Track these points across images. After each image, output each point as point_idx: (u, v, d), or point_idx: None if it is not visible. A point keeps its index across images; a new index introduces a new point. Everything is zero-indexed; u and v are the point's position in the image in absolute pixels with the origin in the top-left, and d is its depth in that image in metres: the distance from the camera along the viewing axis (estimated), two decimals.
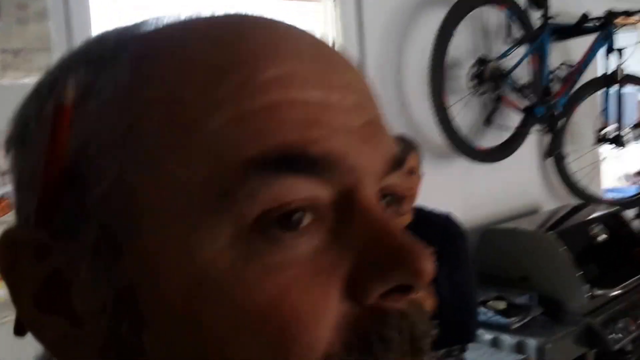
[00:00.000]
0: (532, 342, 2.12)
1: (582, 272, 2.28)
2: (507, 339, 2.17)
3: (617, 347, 2.21)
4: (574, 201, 2.97)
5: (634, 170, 3.46)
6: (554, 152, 2.83)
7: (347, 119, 0.31)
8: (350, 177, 0.30)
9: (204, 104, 0.29)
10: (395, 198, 0.35)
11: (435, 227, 1.85)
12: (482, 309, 2.22)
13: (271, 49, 0.31)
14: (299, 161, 0.29)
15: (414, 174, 1.79)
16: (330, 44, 0.35)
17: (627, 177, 3.48)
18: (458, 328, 1.78)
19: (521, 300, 2.34)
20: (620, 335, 2.24)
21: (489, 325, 2.22)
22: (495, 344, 2.19)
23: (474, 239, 2.44)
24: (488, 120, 2.52)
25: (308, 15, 2.27)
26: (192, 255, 0.28)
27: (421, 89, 2.39)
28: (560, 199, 3.03)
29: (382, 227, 0.30)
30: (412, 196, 1.78)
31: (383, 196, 0.33)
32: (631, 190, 4.30)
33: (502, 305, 2.32)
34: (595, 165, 3.12)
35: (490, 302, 2.32)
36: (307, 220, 0.30)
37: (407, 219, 1.81)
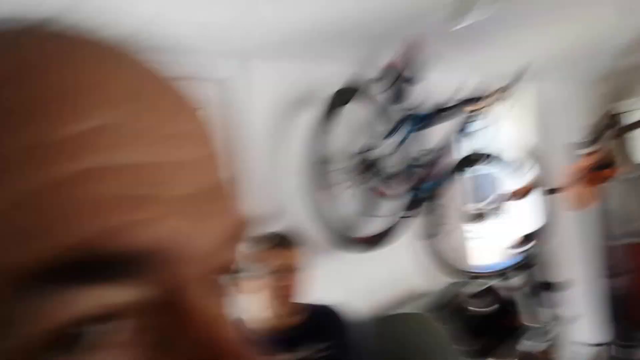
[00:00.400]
0: None
1: (472, 348, 2.37)
2: None
3: None
4: (449, 280, 3.10)
5: (513, 240, 3.69)
6: (434, 231, 2.98)
7: (170, 186, 0.24)
8: (171, 273, 0.24)
9: None
10: (230, 274, 0.30)
11: (322, 319, 1.88)
12: None
13: (77, 94, 0.23)
14: (88, 265, 0.22)
15: (293, 270, 1.82)
16: (162, 81, 0.27)
17: (511, 246, 3.70)
18: None
19: None
20: None
21: None
22: None
23: (367, 328, 2.46)
24: (367, 208, 2.63)
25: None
26: None
27: (298, 186, 2.45)
28: (436, 279, 3.15)
29: (207, 337, 0.25)
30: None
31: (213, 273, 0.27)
32: (504, 263, 4.56)
33: None
34: (464, 242, 3.30)
35: None
36: (106, 334, 0.23)
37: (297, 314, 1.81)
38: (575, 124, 5.25)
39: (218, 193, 0.27)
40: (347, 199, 2.66)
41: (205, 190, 0.26)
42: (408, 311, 2.65)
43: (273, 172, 2.46)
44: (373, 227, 2.74)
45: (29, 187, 0.21)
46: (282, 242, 1.82)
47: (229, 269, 0.29)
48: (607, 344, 3.63)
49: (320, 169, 2.41)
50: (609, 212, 4.23)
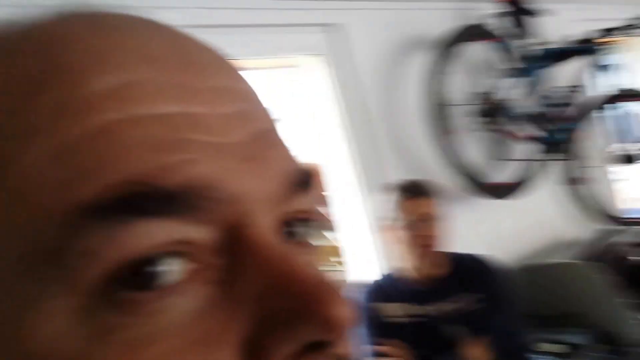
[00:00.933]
0: None
1: (634, 300, 2.09)
2: None
3: None
4: (597, 227, 2.80)
5: None
6: (572, 178, 2.69)
7: (220, 134, 0.24)
8: (231, 210, 0.24)
9: (17, 131, 0.22)
10: (308, 226, 0.29)
11: (470, 270, 1.72)
12: (537, 356, 1.99)
13: (104, 53, 0.24)
14: (150, 199, 0.22)
15: (433, 219, 1.68)
16: (199, 42, 0.27)
17: None
18: None
19: (577, 339, 2.12)
20: None
21: None
22: None
23: (517, 279, 2.25)
24: (498, 156, 2.40)
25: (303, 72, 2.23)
26: (25, 343, 0.21)
27: (421, 132, 2.28)
28: (583, 226, 2.87)
29: (280, 270, 0.24)
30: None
31: (288, 224, 0.27)
32: None
33: (558, 348, 2.09)
34: (611, 186, 2.98)
35: (546, 346, 2.09)
36: (177, 273, 0.23)
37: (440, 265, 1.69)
38: None
39: (271, 141, 0.27)
40: (477, 144, 2.45)
41: (256, 138, 0.26)
42: (560, 260, 2.40)
43: (395, 118, 2.29)
44: (508, 173, 2.50)
45: (74, 133, 0.22)
46: (418, 191, 1.69)
47: (307, 218, 0.28)
48: None
49: (442, 112, 2.21)
50: None
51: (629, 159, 2.71)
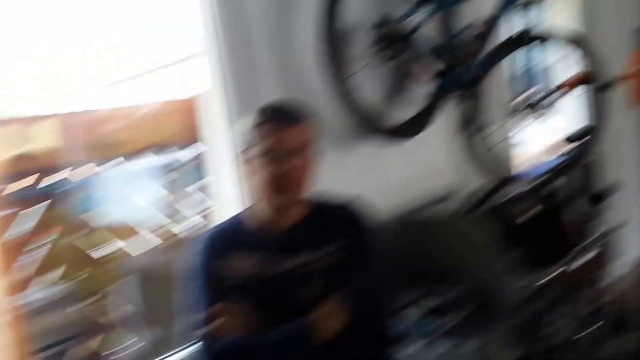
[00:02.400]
0: (471, 345, 1.79)
1: (512, 258, 1.99)
2: (441, 345, 1.83)
3: (560, 338, 1.93)
4: (491, 179, 2.69)
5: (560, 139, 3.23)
6: (472, 124, 2.52)
7: None
8: None
9: None
10: None
11: (335, 217, 1.49)
12: (409, 311, 1.88)
13: None
14: None
15: (303, 150, 1.41)
16: None
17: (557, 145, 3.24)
18: (371, 343, 1.42)
19: (450, 296, 2.02)
20: (562, 322, 1.96)
21: (420, 330, 1.88)
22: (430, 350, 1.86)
23: (390, 231, 2.08)
24: (395, 92, 2.16)
25: None
26: None
27: (314, 60, 2.01)
28: (474, 179, 2.75)
29: None
30: None
31: None
32: (548, 164, 4.13)
33: (429, 304, 1.99)
34: (506, 139, 2.85)
35: (417, 302, 1.98)
36: None
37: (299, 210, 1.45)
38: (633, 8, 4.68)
39: None
40: (372, 81, 2.21)
41: None
42: (439, 214, 2.26)
43: (282, 44, 2.00)
44: (402, 114, 2.30)
45: None
46: (283, 116, 1.41)
47: None
48: None
49: (336, 39, 1.94)
50: None
51: (525, 110, 2.58)
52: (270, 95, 1.89)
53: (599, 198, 3.29)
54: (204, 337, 1.38)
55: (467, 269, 2.04)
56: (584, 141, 2.94)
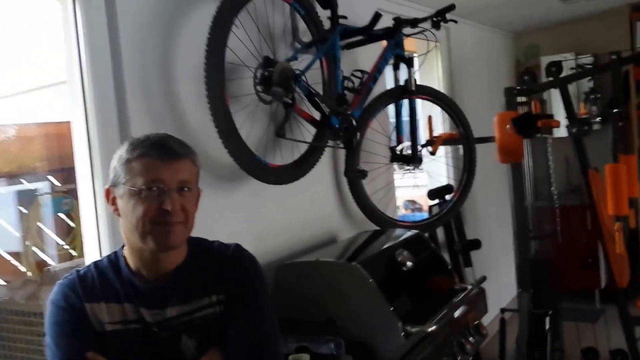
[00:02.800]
0: None
1: (393, 308, 1.93)
2: None
3: None
4: (370, 227, 2.68)
5: (434, 192, 3.32)
6: (352, 171, 2.50)
7: None
8: None
9: None
10: None
11: (217, 263, 1.33)
12: None
13: None
14: None
15: (186, 189, 1.26)
16: None
17: (431, 197, 3.32)
18: None
19: (327, 349, 1.92)
20: None
21: None
22: None
23: (268, 275, 1.96)
24: (279, 132, 2.08)
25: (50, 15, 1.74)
26: None
27: (197, 94, 1.89)
28: (356, 226, 2.73)
29: None
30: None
31: None
32: (418, 216, 4.25)
33: (305, 358, 1.87)
34: (390, 186, 2.88)
35: (291, 357, 1.85)
36: None
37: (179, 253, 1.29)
38: (503, 70, 5.04)
39: None
40: (255, 121, 2.12)
41: None
42: (319, 259, 2.17)
43: (167, 78, 1.87)
44: (288, 155, 2.22)
45: None
46: (163, 149, 1.23)
47: None
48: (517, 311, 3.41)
49: (221, 73, 1.83)
50: (532, 171, 4.06)
51: (415, 159, 2.62)
52: (143, 128, 1.74)
53: (471, 247, 3.42)
54: None
55: (346, 319, 1.96)
56: (456, 194, 3.05)
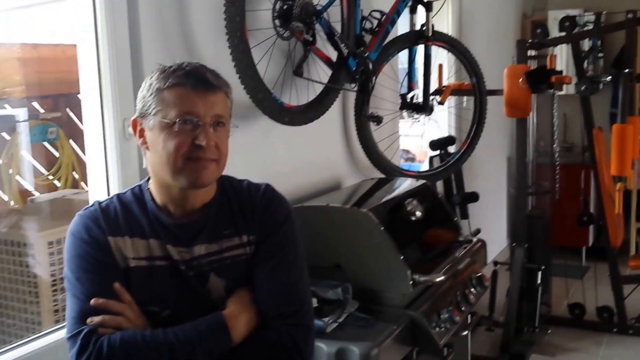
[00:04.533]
0: (353, 350, 1.68)
1: (403, 256, 1.91)
2: (323, 348, 1.70)
3: (442, 342, 1.89)
4: (375, 174, 2.64)
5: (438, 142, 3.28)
6: (362, 116, 2.43)
7: None
8: None
9: None
10: None
11: (254, 202, 1.28)
12: None
13: None
14: None
15: (221, 124, 1.19)
16: None
17: (435, 147, 3.28)
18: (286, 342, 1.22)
19: (333, 294, 1.91)
20: (444, 327, 1.92)
21: None
22: None
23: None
24: (297, 71, 2.00)
25: None
26: None
27: (214, 24, 1.80)
28: (361, 173, 2.69)
29: None
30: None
31: None
32: (416, 166, 4.22)
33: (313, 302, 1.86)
34: (396, 135, 2.83)
35: None
36: None
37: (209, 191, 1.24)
38: (509, 23, 4.94)
39: None
40: (275, 55, 2.04)
41: None
42: (327, 203, 2.13)
43: (183, 5, 1.77)
44: (302, 95, 2.15)
45: None
46: (199, 80, 1.15)
47: None
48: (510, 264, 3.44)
49: (239, 5, 1.74)
50: (535, 127, 4.03)
51: (426, 108, 2.56)
52: (156, 57, 1.66)
53: (469, 199, 3.41)
54: (86, 332, 1.10)
55: (355, 264, 1.94)
56: (461, 146, 3.01)
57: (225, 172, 1.27)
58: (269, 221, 1.26)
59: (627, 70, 3.08)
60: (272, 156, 2.16)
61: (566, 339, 3.57)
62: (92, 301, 1.12)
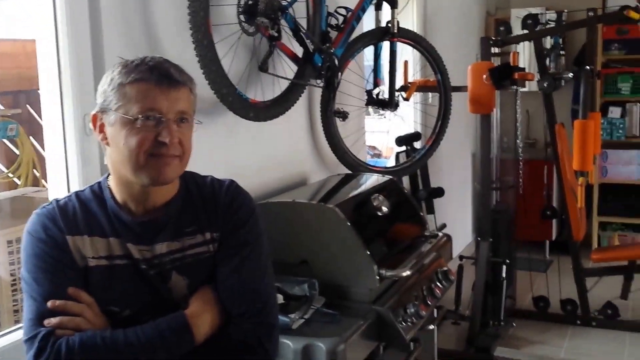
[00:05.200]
0: (320, 346, 1.68)
1: (370, 252, 1.92)
2: (289, 345, 1.70)
3: (409, 336, 1.90)
4: (342, 170, 2.64)
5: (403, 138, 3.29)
6: (327, 112, 2.43)
7: None
8: None
9: None
10: None
11: (217, 199, 1.26)
12: None
13: None
14: None
15: (185, 120, 1.17)
16: None
17: (400, 143, 3.30)
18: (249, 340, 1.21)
19: (300, 290, 1.90)
20: (411, 322, 1.93)
21: None
22: None
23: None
24: (263, 67, 1.98)
25: None
26: None
27: (177, 19, 1.78)
28: (327, 169, 2.69)
29: None
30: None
31: None
32: (382, 161, 4.23)
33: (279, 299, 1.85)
34: (361, 131, 2.83)
35: None
36: None
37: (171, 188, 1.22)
38: (474, 21, 5.00)
39: None
40: (240, 51, 2.02)
41: None
42: (297, 199, 2.12)
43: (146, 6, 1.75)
44: (268, 91, 2.14)
45: None
46: (163, 75, 1.13)
47: None
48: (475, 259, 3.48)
49: (201, 5, 1.72)
50: (499, 123, 4.10)
51: (391, 104, 2.57)
52: (118, 52, 1.63)
53: (434, 194, 3.44)
54: (44, 334, 1.08)
55: (321, 260, 1.94)
56: (429, 144, 3.03)
57: (189, 169, 1.25)
58: (233, 218, 1.25)
59: (588, 67, 3.14)
60: (237, 152, 2.15)
61: (531, 331, 3.64)
62: (50, 303, 1.09)
